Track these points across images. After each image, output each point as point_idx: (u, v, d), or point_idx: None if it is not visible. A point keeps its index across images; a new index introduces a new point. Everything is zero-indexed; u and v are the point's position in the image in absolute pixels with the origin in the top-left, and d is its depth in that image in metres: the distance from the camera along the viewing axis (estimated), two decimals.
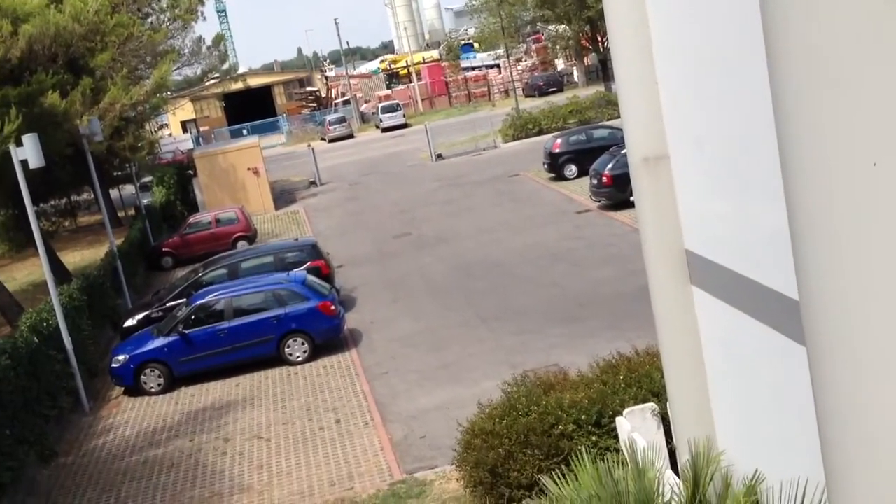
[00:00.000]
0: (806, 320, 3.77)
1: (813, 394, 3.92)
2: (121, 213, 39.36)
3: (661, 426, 8.88)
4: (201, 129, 72.36)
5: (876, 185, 3.25)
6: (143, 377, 17.70)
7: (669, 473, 7.70)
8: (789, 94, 3.48)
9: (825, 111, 3.36)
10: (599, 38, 51.03)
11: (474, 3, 61.56)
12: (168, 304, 20.56)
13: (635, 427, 8.82)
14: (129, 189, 39.22)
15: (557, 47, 62.90)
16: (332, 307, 18.22)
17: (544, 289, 19.68)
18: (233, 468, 13.71)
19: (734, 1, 5.79)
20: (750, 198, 6.43)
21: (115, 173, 36.88)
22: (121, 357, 17.98)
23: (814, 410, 4.11)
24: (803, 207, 3.57)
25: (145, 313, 20.85)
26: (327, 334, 18.11)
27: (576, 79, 66.36)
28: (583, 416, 9.87)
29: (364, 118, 69.26)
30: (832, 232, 3.47)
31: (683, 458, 7.51)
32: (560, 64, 72.98)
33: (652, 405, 9.12)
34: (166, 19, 40.16)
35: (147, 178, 41.01)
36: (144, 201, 34.88)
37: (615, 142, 28.60)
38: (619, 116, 8.23)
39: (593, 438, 9.69)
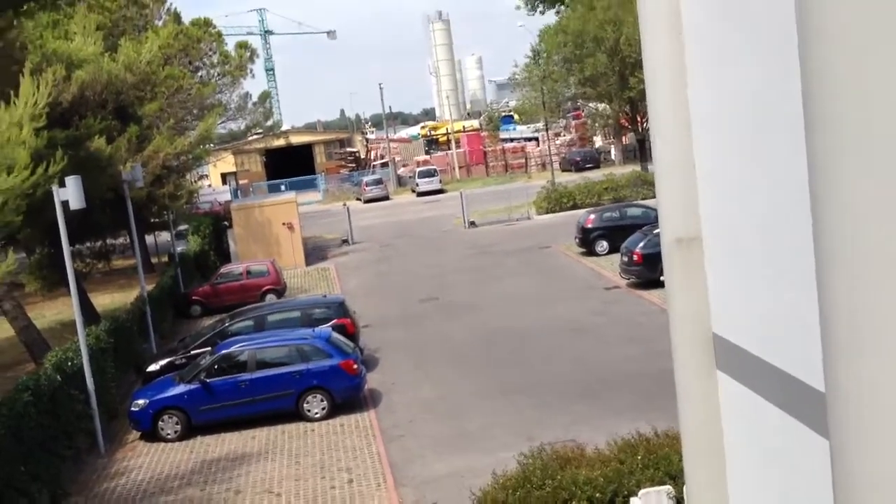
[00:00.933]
0: (830, 413, 3.72)
1: (833, 490, 3.85)
2: (154, 259, 39.88)
3: None
4: (241, 182, 73.53)
5: None
6: (160, 423, 17.72)
7: None
8: (828, 182, 3.49)
9: (863, 198, 3.35)
10: (639, 119, 51.47)
11: (517, 77, 62.51)
12: (192, 352, 20.68)
13: None
14: (164, 236, 39.77)
15: (596, 124, 63.48)
16: (355, 366, 18.21)
17: (567, 363, 19.54)
18: None
19: (773, 84, 5.86)
20: (781, 284, 6.41)
21: (152, 220, 37.47)
22: (140, 401, 18.04)
23: None
24: (833, 298, 3.55)
25: (169, 359, 20.98)
26: (347, 393, 18.07)
27: (613, 157, 66.76)
28: (597, 494, 9.73)
29: (401, 181, 69.99)
30: (862, 322, 3.45)
31: None
32: (598, 141, 73.54)
33: (668, 488, 8.98)
34: (216, 74, 41.26)
35: (183, 227, 41.61)
36: (179, 249, 35.33)
37: (648, 221, 28.62)
38: (653, 196, 8.27)
39: None
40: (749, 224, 7.20)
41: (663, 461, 10.02)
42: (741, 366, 7.44)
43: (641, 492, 9.04)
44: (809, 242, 4.13)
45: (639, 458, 10.26)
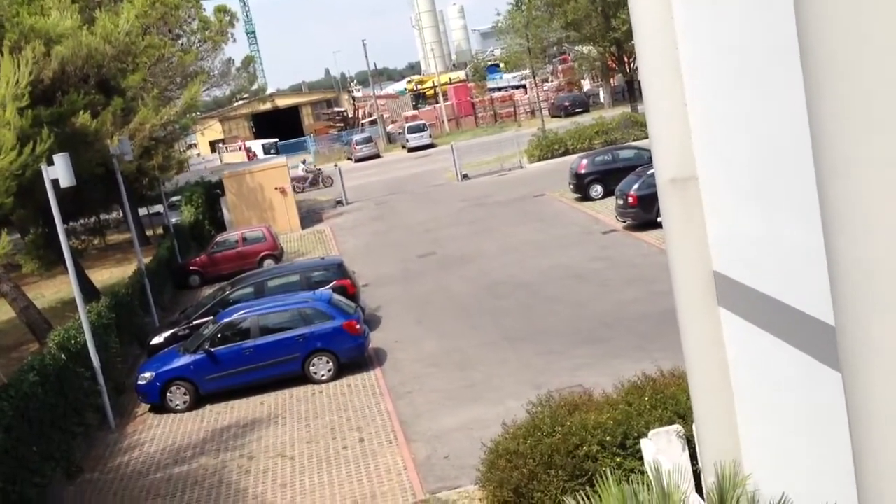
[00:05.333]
0: (842, 346, 3.69)
1: (848, 419, 3.84)
2: (149, 232, 39.78)
3: (687, 448, 8.78)
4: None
5: None
6: (168, 394, 17.80)
7: (694, 496, 7.61)
8: (826, 112, 3.43)
9: (863, 129, 3.30)
10: (626, 59, 51.03)
11: (501, 24, 61.80)
12: (195, 322, 20.70)
13: (660, 449, 8.74)
14: (157, 207, 39.61)
15: (584, 68, 62.93)
16: (357, 326, 18.24)
17: (570, 309, 19.59)
18: (256, 486, 13.73)
19: (764, 20, 5.77)
20: (779, 219, 6.38)
21: (144, 192, 37.30)
22: (147, 374, 18.10)
23: (842, 434, 4.03)
24: (840, 229, 3.50)
25: (172, 331, 21.00)
26: (352, 353, 18.13)
27: (602, 99, 66.33)
28: (607, 438, 9.79)
29: (391, 138, 69.62)
30: (870, 255, 3.40)
31: (709, 480, 7.42)
32: (586, 84, 73.00)
33: (677, 427, 9.03)
34: (197, 41, 40.69)
35: (175, 198, 41.42)
36: (173, 220, 35.21)
37: (641, 162, 28.51)
38: (645, 137, 8.20)
39: (618, 460, 9.61)
40: (743, 162, 7.14)
41: (671, 401, 10.06)
42: (743, 302, 7.43)
43: (651, 432, 9.09)
44: (804, 176, 4.06)
45: (646, 399, 10.30)
